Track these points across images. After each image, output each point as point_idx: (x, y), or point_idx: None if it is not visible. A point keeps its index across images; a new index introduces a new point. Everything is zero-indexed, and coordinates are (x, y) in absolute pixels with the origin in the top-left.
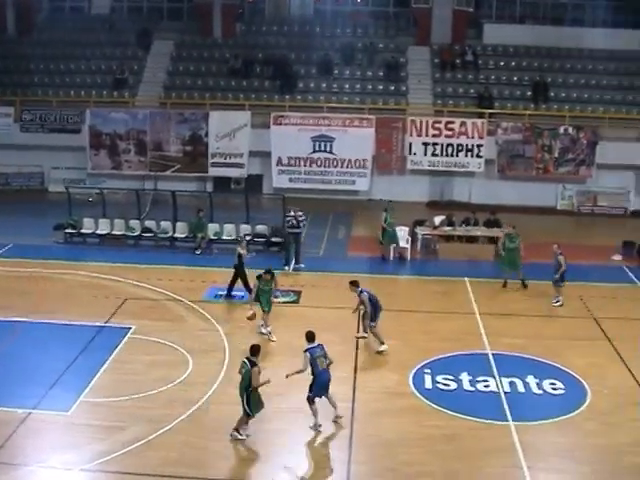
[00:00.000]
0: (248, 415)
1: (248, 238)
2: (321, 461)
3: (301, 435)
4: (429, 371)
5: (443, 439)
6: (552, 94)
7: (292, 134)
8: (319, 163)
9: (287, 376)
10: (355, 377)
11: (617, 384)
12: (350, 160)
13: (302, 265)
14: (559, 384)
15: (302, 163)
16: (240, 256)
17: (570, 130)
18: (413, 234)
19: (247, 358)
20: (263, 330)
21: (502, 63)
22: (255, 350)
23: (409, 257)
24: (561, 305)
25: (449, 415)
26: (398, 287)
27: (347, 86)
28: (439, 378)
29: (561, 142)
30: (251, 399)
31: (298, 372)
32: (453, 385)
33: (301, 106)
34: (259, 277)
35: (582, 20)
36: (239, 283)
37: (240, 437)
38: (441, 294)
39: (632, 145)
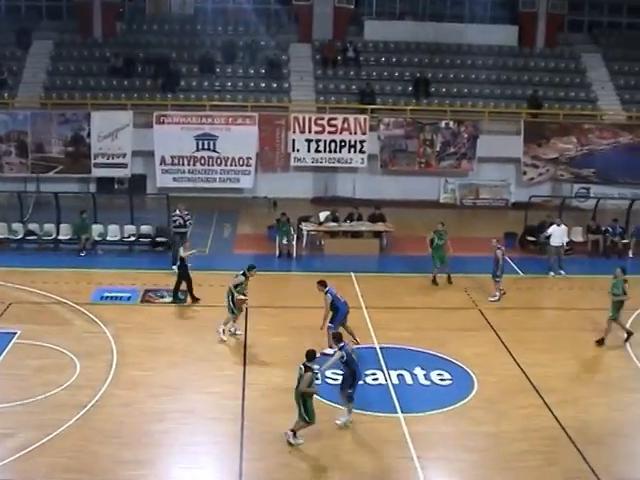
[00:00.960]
0: (307, 422)
1: (133, 239)
2: (213, 461)
3: (191, 435)
4: (317, 366)
5: (335, 433)
6: (433, 89)
7: (175, 133)
8: (203, 162)
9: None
10: (244, 375)
11: (503, 373)
12: (234, 158)
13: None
14: (446, 375)
15: (186, 162)
16: (182, 259)
17: (451, 124)
18: (298, 230)
19: (303, 364)
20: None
21: (383, 59)
22: (311, 355)
23: (295, 253)
24: (498, 300)
25: (340, 409)
26: (285, 284)
27: (229, 84)
28: (328, 373)
29: (442, 136)
30: (307, 405)
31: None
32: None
33: (184, 105)
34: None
35: (461, 16)
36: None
37: (293, 442)
38: None
39: (512, 138)
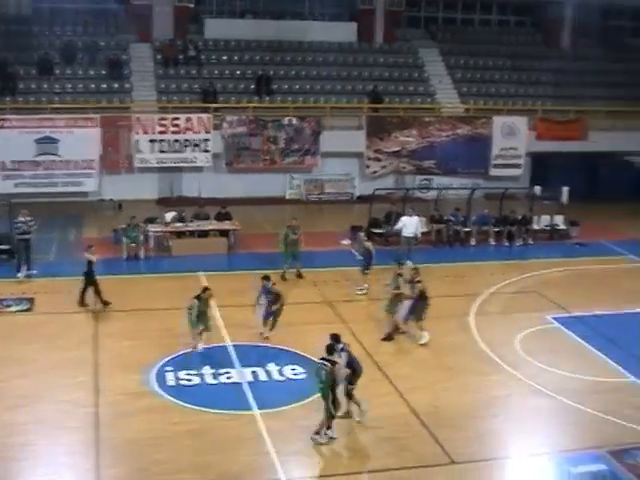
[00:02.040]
0: (332, 416)
1: None
2: (70, 470)
3: (48, 446)
4: (171, 368)
5: (191, 434)
6: (275, 86)
7: (15, 137)
8: (44, 166)
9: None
10: (96, 381)
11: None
12: (76, 161)
13: (34, 271)
14: (299, 369)
15: (26, 167)
16: (90, 263)
17: (294, 121)
18: (145, 232)
19: (323, 358)
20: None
21: (225, 58)
22: (331, 348)
23: (142, 255)
24: (365, 293)
25: (195, 410)
26: (133, 287)
27: (70, 86)
28: (181, 374)
29: (286, 133)
30: (335, 399)
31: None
32: (196, 380)
33: (23, 108)
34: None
35: (302, 14)
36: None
37: (324, 440)
38: (177, 290)
39: (354, 133)
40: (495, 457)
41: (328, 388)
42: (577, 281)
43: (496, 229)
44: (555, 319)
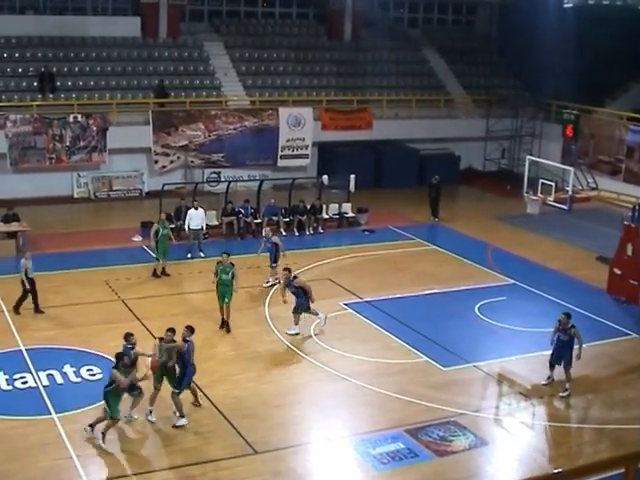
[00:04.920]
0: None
1: None
2: None
3: None
4: None
5: None
6: (59, 84)
7: None
8: None
9: None
10: None
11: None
12: None
13: None
14: (96, 369)
15: None
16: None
17: (80, 118)
18: None
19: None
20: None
21: (5, 55)
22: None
23: None
24: (271, 285)
25: None
26: None
27: None
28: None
29: (72, 131)
30: None
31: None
32: None
33: None
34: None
35: (84, 9)
36: None
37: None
38: None
39: (141, 128)
40: (297, 444)
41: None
42: (368, 267)
43: (286, 219)
44: (348, 305)
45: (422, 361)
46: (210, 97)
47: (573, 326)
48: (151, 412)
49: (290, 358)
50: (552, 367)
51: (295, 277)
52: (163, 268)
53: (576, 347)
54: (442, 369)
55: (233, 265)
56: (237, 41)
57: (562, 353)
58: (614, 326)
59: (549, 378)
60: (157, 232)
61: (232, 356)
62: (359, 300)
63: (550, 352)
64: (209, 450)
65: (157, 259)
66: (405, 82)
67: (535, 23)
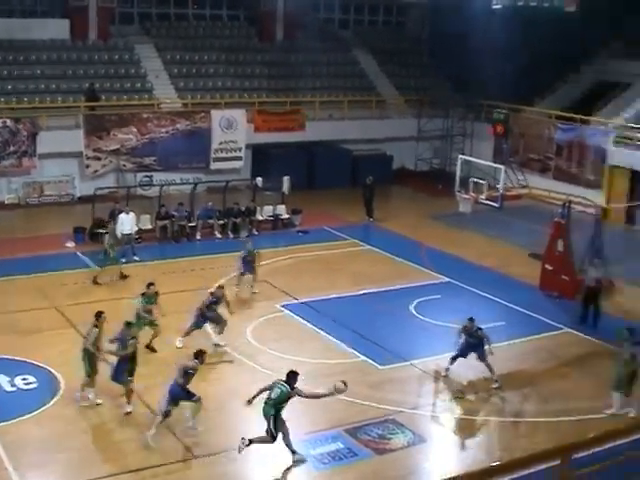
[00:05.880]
0: (274, 438)
1: None
2: None
3: None
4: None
5: None
6: None
7: None
8: None
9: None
10: None
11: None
12: None
13: None
14: (31, 378)
15: None
16: None
17: (8, 123)
18: None
19: (285, 382)
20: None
21: None
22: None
23: None
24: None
25: None
26: None
27: None
28: None
29: (1, 136)
30: (278, 420)
31: None
32: None
33: None
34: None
35: (12, 11)
36: None
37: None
38: None
39: (72, 133)
40: (236, 447)
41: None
42: (303, 268)
43: (221, 222)
44: (284, 306)
45: (359, 361)
46: (142, 100)
47: (479, 329)
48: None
49: (228, 361)
50: (454, 361)
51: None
52: (121, 271)
53: (487, 347)
54: (379, 368)
55: (157, 294)
56: (168, 43)
57: (474, 351)
58: (547, 321)
59: (447, 370)
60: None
61: (169, 361)
62: (295, 301)
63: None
64: (147, 456)
65: (101, 266)
66: (337, 83)
67: (465, 24)
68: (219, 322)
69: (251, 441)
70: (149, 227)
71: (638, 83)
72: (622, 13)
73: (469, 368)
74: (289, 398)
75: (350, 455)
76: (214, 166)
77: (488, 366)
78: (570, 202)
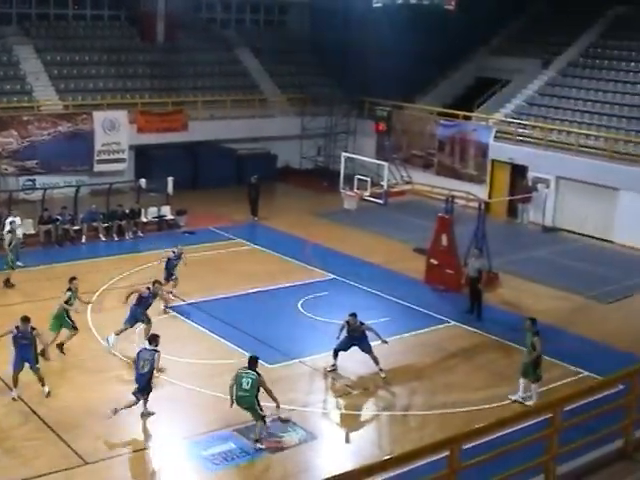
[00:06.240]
0: (263, 418)
1: None
2: None
3: None
4: None
5: None
6: None
7: None
8: None
9: None
10: None
11: None
12: None
13: None
14: None
15: None
16: None
17: None
18: None
19: (248, 370)
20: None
21: None
22: (255, 362)
23: None
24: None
25: None
26: None
27: None
28: None
29: None
30: (260, 405)
31: None
32: None
33: None
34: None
35: None
36: None
37: (264, 445)
38: None
39: None
40: (127, 451)
41: (253, 397)
42: (190, 269)
43: (105, 224)
44: (171, 308)
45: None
46: (22, 102)
47: (362, 323)
48: None
49: (115, 365)
50: (336, 356)
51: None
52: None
53: (377, 342)
54: (268, 367)
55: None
56: (48, 44)
57: (357, 345)
58: (433, 315)
59: (333, 366)
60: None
61: (57, 367)
62: (182, 303)
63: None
64: (38, 464)
65: (12, 267)
66: (220, 83)
67: (346, 23)
68: (148, 322)
69: (257, 440)
70: (32, 232)
71: (517, 79)
72: (501, 11)
73: (357, 364)
74: (260, 383)
75: (242, 455)
76: (97, 168)
77: (373, 358)
78: (453, 197)
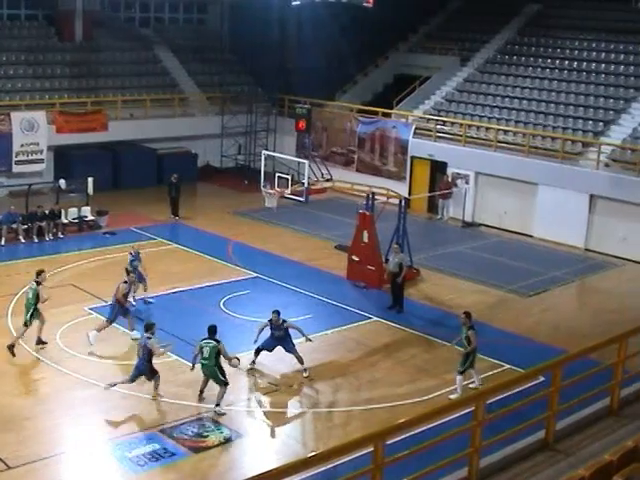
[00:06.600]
0: (226, 384)
1: None
2: None
3: None
4: None
5: None
6: None
7: None
8: None
9: None
10: None
11: None
12: None
13: None
14: None
15: None
16: None
17: None
18: None
19: (208, 339)
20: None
21: None
22: (214, 330)
23: None
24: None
25: None
26: None
27: None
28: None
29: None
30: (223, 370)
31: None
32: None
33: None
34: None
35: None
36: None
37: (224, 410)
38: None
39: None
40: (51, 455)
41: (213, 365)
42: (111, 270)
43: (25, 226)
44: (93, 309)
45: (170, 360)
46: None
47: (285, 321)
48: None
49: (37, 368)
50: (258, 353)
51: None
52: None
53: (302, 339)
54: (191, 366)
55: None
56: None
57: (281, 344)
58: (356, 311)
59: (253, 363)
60: None
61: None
62: (104, 304)
63: (258, 345)
64: None
65: None
66: (139, 82)
67: (264, 21)
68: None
69: (218, 404)
70: None
71: (436, 76)
72: (420, 8)
73: (280, 362)
74: (219, 350)
75: (167, 455)
76: (16, 169)
77: (297, 357)
78: (373, 194)
